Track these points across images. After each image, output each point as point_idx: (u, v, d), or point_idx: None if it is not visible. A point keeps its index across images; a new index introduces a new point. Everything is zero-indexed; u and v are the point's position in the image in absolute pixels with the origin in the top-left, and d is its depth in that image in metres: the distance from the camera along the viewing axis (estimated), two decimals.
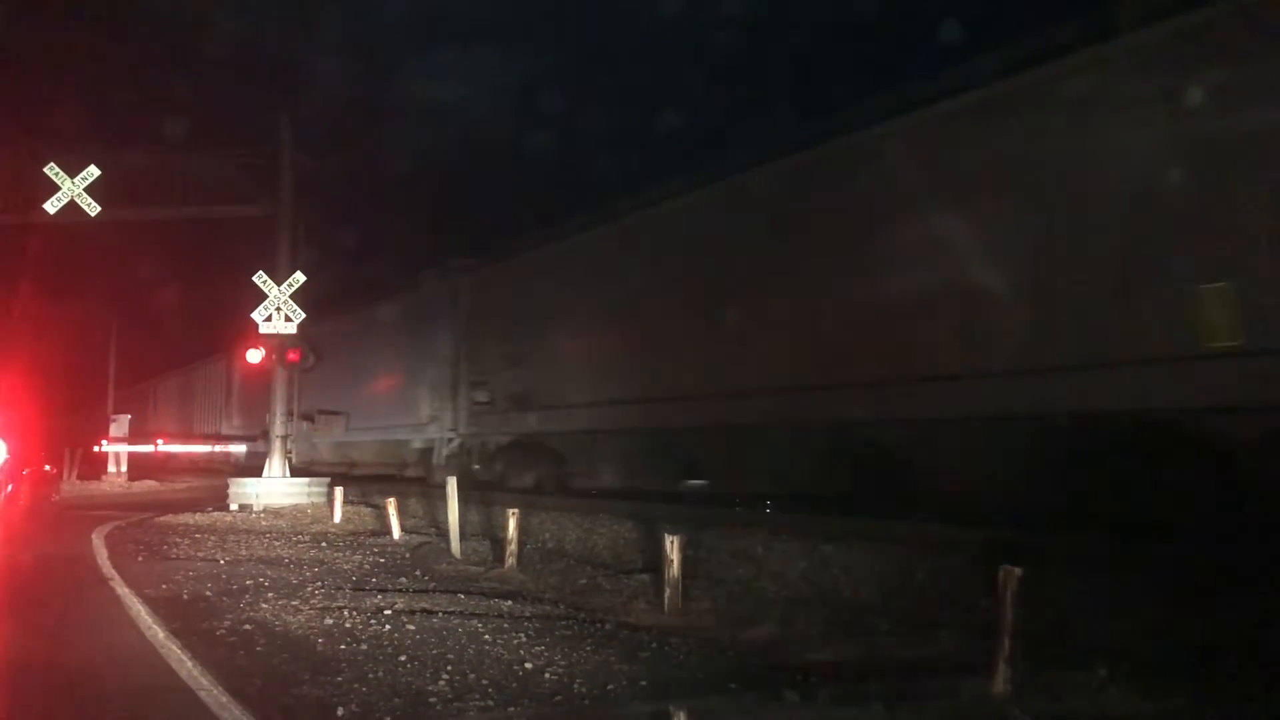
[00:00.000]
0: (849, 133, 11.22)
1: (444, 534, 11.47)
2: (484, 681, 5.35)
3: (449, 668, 5.60)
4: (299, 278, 17.40)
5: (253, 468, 24.35)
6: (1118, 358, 8.22)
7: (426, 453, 20.03)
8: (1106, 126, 8.53)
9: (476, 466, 18.12)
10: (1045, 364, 8.79)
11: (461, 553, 10.73)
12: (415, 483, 18.91)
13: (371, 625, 6.70)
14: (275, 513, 15.79)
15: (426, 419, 19.93)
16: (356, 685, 5.27)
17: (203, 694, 5.16)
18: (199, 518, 15.20)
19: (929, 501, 9.86)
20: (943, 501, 9.64)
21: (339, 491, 15.30)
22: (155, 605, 7.59)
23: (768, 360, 11.97)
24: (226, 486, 16.94)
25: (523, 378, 16.98)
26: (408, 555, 10.74)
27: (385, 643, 6.23)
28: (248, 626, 6.80)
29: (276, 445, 17.80)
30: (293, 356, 17.57)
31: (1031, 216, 9.05)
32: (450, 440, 19.17)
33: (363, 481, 19.50)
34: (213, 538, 12.40)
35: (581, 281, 15.85)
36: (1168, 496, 7.79)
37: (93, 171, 17.02)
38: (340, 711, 4.81)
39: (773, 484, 12.25)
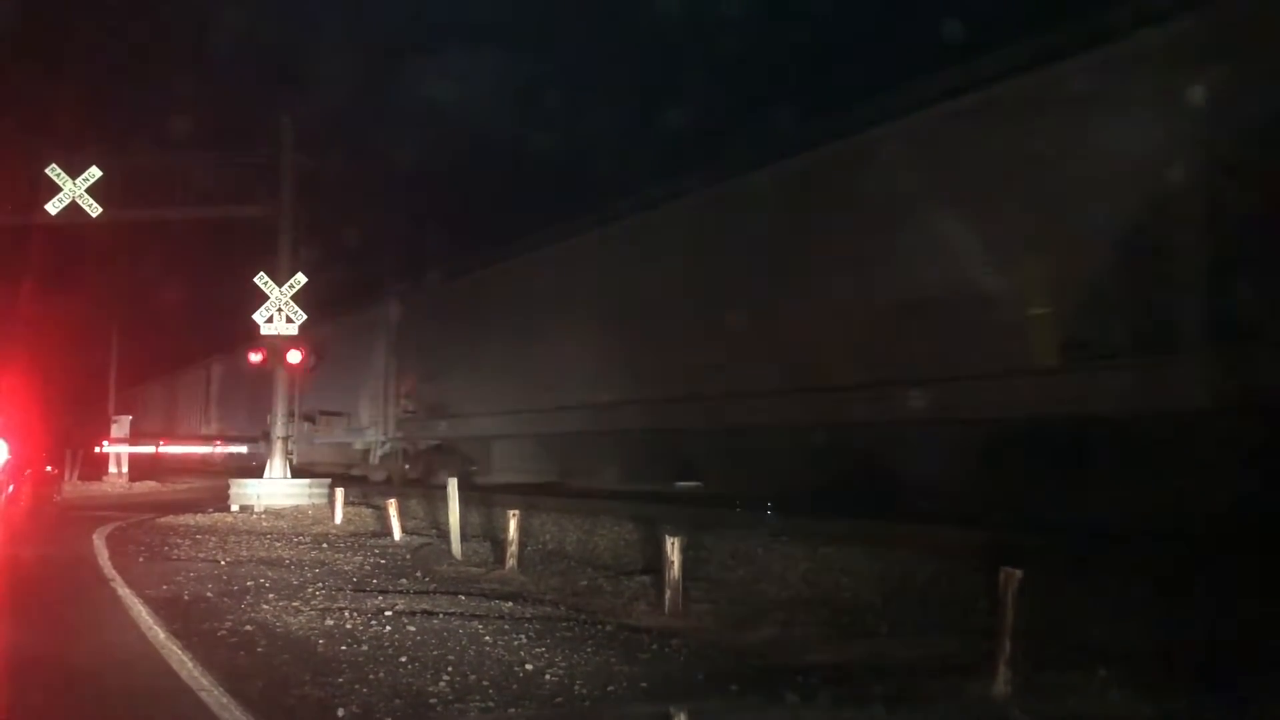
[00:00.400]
0: (666, 203, 14.80)
1: (445, 535, 11.47)
2: (484, 683, 5.36)
3: (450, 669, 5.61)
4: (300, 279, 17.41)
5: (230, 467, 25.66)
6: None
7: (367, 453, 22.86)
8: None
9: (406, 466, 21.14)
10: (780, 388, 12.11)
11: (462, 554, 10.73)
12: (414, 484, 19.84)
13: (372, 626, 6.71)
14: (276, 514, 15.80)
15: (367, 424, 22.87)
16: (357, 686, 5.28)
17: (204, 695, 5.17)
18: (200, 519, 15.21)
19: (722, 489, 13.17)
20: (739, 493, 12.60)
21: (340, 493, 15.30)
22: (156, 606, 7.59)
23: (605, 379, 15.07)
24: (227, 487, 16.95)
25: (437, 391, 20.11)
26: (408, 556, 10.74)
27: (386, 644, 6.24)
28: (249, 627, 6.80)
29: (278, 446, 17.80)
30: (294, 358, 17.58)
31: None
32: (384, 443, 22.11)
33: (360, 482, 19.75)
34: (214, 539, 12.41)
35: (475, 312, 19.27)
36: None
37: (94, 173, 17.04)
38: (341, 712, 4.81)
39: (619, 480, 15.28)
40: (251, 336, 18.53)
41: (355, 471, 22.37)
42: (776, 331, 12.24)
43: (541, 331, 16.81)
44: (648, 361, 14.26)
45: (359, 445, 23.18)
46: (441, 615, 7.09)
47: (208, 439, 35.19)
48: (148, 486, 26.68)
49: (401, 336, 21.69)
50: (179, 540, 12.23)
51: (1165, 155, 8.20)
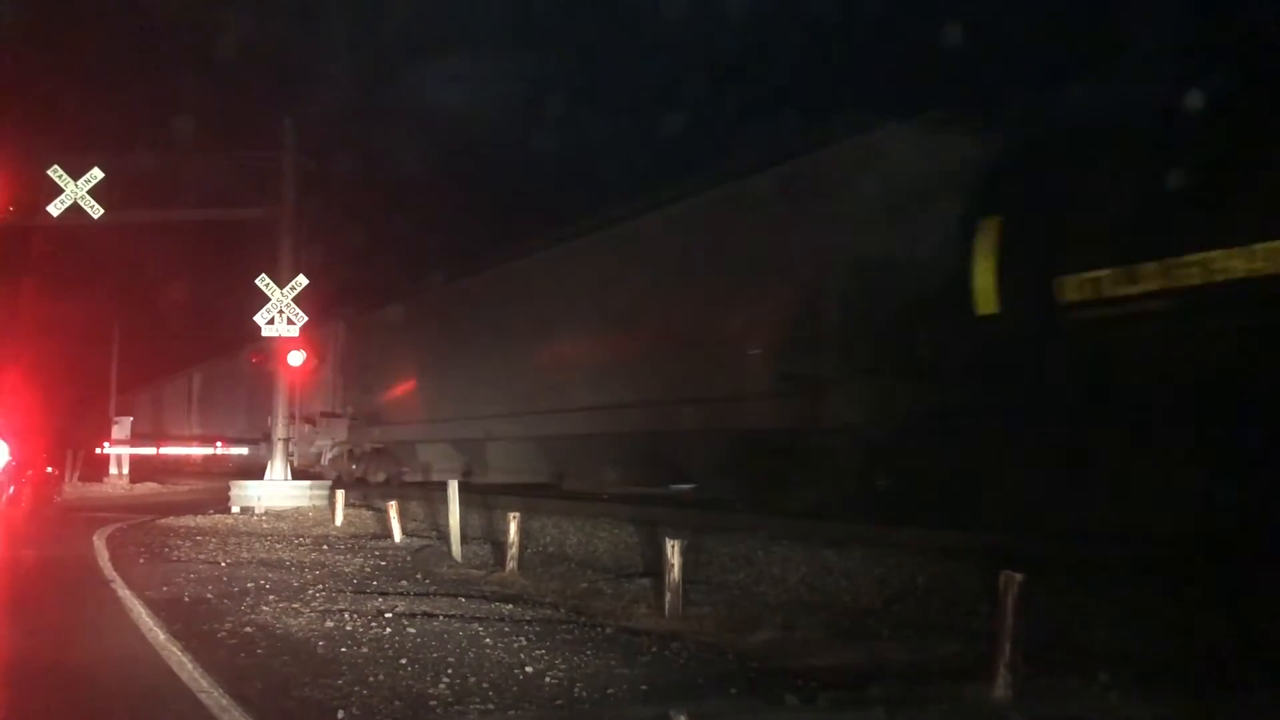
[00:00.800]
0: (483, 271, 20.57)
1: (445, 537, 11.47)
2: (484, 685, 5.35)
3: (449, 671, 5.60)
4: (301, 281, 17.42)
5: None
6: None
7: (320, 455, 26.11)
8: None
9: (353, 466, 24.34)
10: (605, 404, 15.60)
11: (462, 556, 10.74)
12: (414, 486, 20.30)
13: (372, 628, 6.70)
14: (277, 515, 15.80)
15: (320, 429, 26.35)
16: (357, 688, 5.28)
17: (203, 696, 5.17)
18: (200, 520, 15.21)
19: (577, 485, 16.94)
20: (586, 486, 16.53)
21: (340, 494, 15.30)
22: (156, 607, 7.60)
23: (494, 396, 18.81)
24: (228, 489, 16.95)
25: (374, 401, 23.67)
26: (409, 558, 10.74)
27: (386, 646, 6.23)
28: (249, 629, 6.81)
29: (278, 448, 17.79)
30: (295, 359, 17.60)
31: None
32: (333, 446, 25.25)
33: (360, 485, 19.93)
34: (214, 540, 12.41)
35: (399, 337, 22.97)
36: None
37: (96, 174, 17.02)
38: (341, 714, 4.81)
39: (505, 475, 18.69)
40: (253, 338, 18.59)
41: (311, 470, 24.71)
42: (599, 366, 16.11)
43: (448, 355, 20.84)
44: (519, 382, 18.23)
45: (313, 449, 26.14)
46: (441, 617, 7.09)
47: (190, 440, 38.04)
48: (148, 488, 26.71)
49: (346, 354, 25.51)
50: (179, 542, 12.23)
51: (812, 255, 11.91)
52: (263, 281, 17.31)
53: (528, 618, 7.24)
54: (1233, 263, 7.41)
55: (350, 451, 24.55)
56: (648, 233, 15.46)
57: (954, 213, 9.83)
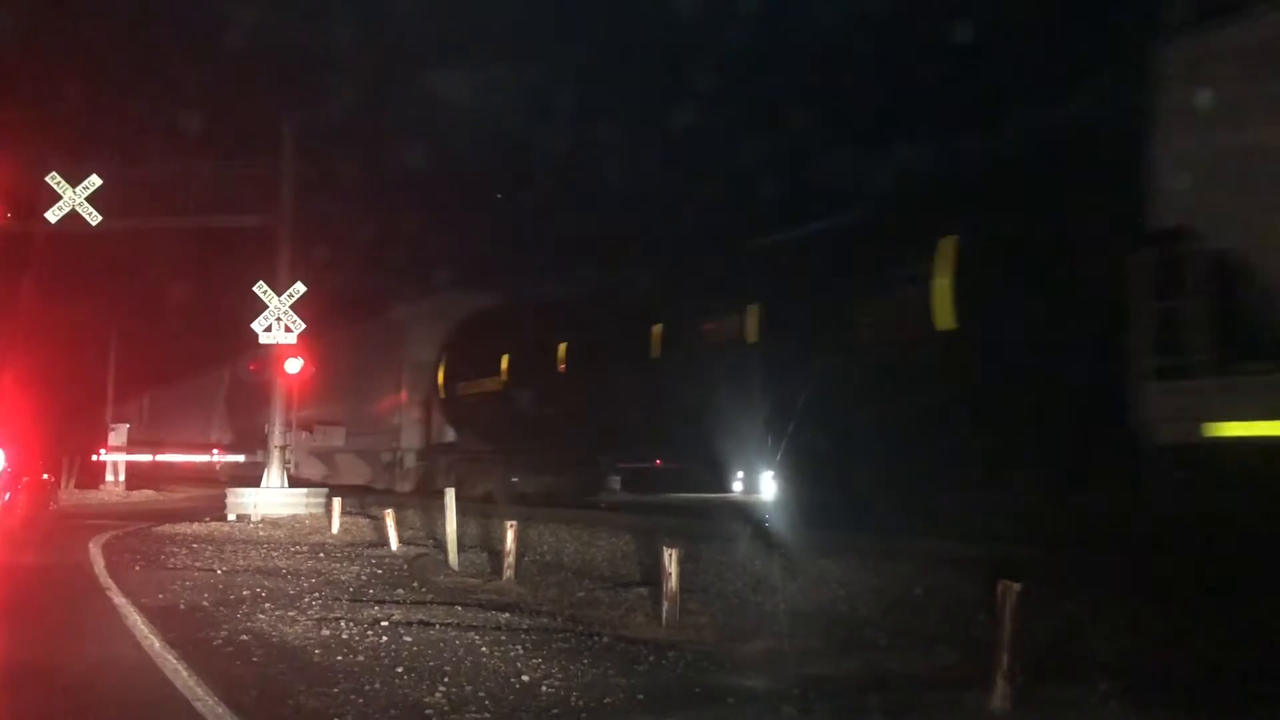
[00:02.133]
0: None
1: (442, 545, 11.45)
2: (481, 694, 5.34)
3: (446, 680, 5.59)
4: (299, 288, 17.43)
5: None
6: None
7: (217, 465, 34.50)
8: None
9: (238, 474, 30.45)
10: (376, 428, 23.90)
11: (459, 564, 10.72)
12: (410, 495, 20.09)
13: (368, 636, 6.69)
14: (273, 523, 15.77)
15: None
16: (353, 697, 5.26)
17: (198, 704, 5.15)
18: (196, 527, 15.17)
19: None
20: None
21: (337, 502, 15.27)
22: (152, 615, 7.58)
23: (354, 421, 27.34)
24: (224, 496, 16.92)
25: (253, 427, 28.85)
26: (405, 566, 10.72)
27: (382, 654, 6.22)
28: (244, 637, 6.79)
29: (275, 455, 17.76)
30: (292, 366, 17.60)
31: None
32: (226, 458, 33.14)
33: (357, 492, 19.95)
34: (210, 547, 12.39)
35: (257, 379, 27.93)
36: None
37: (94, 181, 17.03)
38: None
39: (369, 481, 24.85)
40: (252, 346, 18.58)
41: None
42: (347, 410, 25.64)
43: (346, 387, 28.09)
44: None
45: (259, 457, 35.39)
46: (438, 626, 7.08)
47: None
48: (145, 495, 26.65)
49: (231, 390, 33.79)
50: (175, 549, 12.20)
51: (398, 362, 22.21)
52: (260, 289, 17.31)
53: (524, 626, 7.22)
54: (486, 385, 18.04)
55: (236, 463, 31.52)
56: (364, 334, 25.64)
57: (439, 347, 20.16)
